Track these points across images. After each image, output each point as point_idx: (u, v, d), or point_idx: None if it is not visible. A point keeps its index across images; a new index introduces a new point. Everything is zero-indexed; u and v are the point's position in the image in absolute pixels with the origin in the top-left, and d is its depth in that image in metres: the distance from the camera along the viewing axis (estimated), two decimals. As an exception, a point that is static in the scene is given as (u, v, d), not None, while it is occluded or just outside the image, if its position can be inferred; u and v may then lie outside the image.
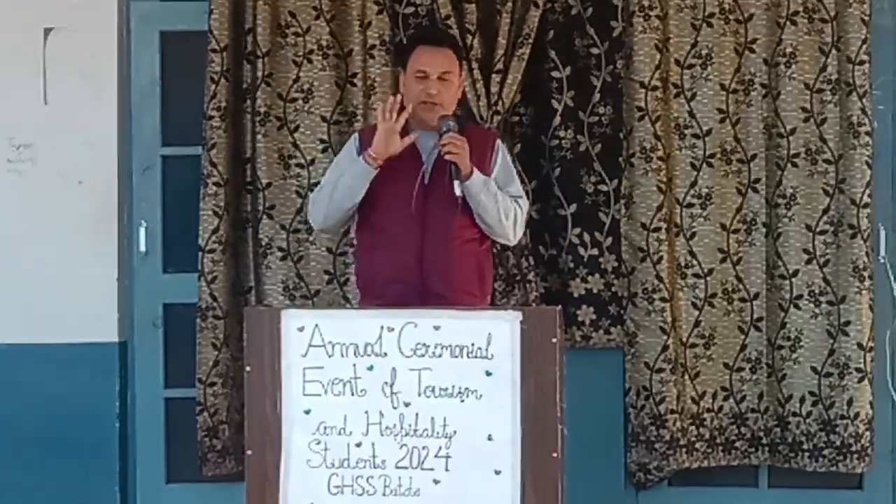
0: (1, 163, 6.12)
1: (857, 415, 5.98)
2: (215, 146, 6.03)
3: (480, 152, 5.14)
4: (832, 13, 6.03)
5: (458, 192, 5.02)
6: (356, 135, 5.36)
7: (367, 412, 4.67)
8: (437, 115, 5.09)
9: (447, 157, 5.01)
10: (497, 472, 4.61)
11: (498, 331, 4.64)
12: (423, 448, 4.64)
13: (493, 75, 6.01)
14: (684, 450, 6.07)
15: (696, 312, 6.11)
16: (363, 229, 5.23)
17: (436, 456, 4.64)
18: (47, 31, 6.13)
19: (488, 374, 4.63)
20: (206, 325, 6.03)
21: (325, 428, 4.68)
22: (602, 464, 6.07)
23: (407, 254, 5.08)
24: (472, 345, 4.64)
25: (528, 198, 5.46)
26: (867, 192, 6.00)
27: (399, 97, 5.11)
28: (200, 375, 6.03)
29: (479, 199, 5.07)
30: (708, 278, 6.12)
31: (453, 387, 4.65)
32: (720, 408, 6.13)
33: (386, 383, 4.66)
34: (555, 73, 6.10)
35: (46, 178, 6.12)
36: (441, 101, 5.11)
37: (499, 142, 5.30)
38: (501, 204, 5.12)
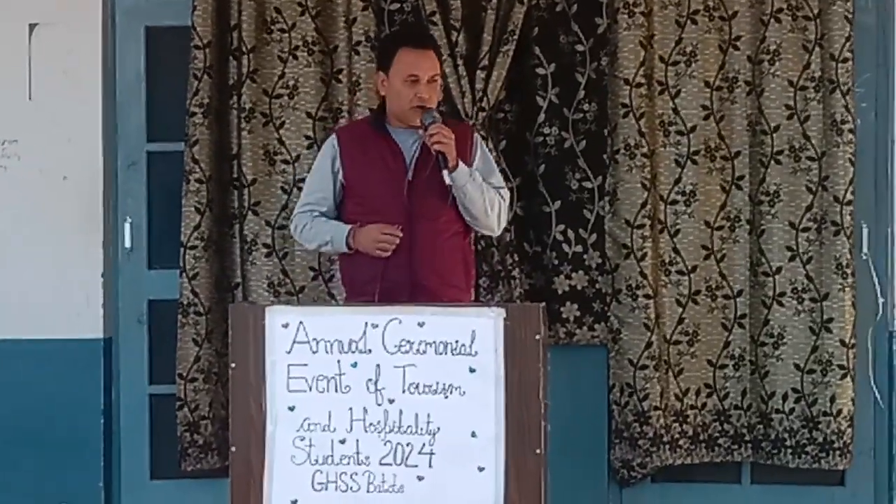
0: (-15, 159, 6.12)
1: (839, 412, 6.00)
2: (198, 143, 6.03)
3: (460, 145, 5.14)
4: (816, 11, 6.04)
5: (447, 181, 5.03)
6: (334, 137, 5.33)
7: (351, 409, 4.67)
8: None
9: (435, 146, 5.01)
10: (480, 469, 4.62)
11: (482, 327, 4.64)
12: (407, 445, 4.65)
13: (478, 72, 6.02)
14: (668, 447, 6.08)
15: (680, 309, 6.12)
16: None
17: (419, 452, 4.64)
18: (32, 27, 6.12)
19: (472, 370, 4.64)
20: (188, 322, 6.04)
21: (309, 424, 4.68)
22: (585, 460, 6.08)
23: (397, 251, 5.07)
24: (456, 342, 4.65)
25: (509, 190, 5.45)
26: (850, 189, 6.01)
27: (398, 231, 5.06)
28: (181, 371, 6.04)
29: (465, 189, 5.08)
30: (692, 275, 6.13)
31: (437, 383, 4.65)
32: (704, 405, 6.14)
33: (370, 380, 4.67)
34: (539, 70, 6.11)
35: (31, 175, 6.12)
36: (432, 104, 5.14)
37: (476, 134, 5.33)
38: (486, 195, 5.14)
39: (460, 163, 5.08)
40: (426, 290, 5.03)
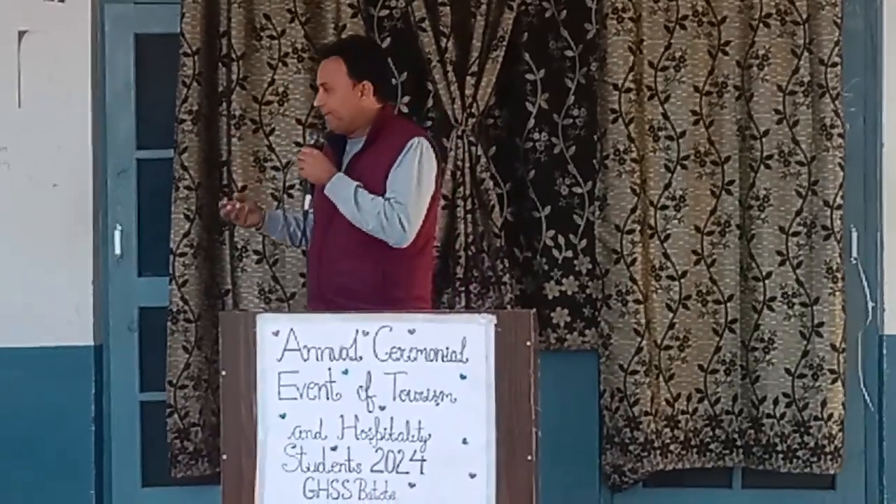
0: (-25, 167, 6.11)
1: (830, 416, 6.01)
2: (187, 150, 6.02)
3: (393, 149, 5.09)
4: (804, 15, 6.05)
5: (305, 205, 5.14)
6: None
7: (342, 416, 4.67)
8: (334, 124, 5.18)
9: (298, 172, 5.23)
10: (472, 476, 4.62)
11: (472, 334, 4.64)
12: (399, 452, 4.65)
13: (468, 78, 6.02)
14: (659, 452, 6.09)
15: (671, 314, 6.13)
16: None
17: (411, 459, 4.64)
18: (21, 34, 6.11)
19: (463, 377, 4.64)
20: (177, 328, 6.03)
21: (300, 432, 4.68)
22: (577, 466, 6.09)
23: (311, 262, 5.23)
24: (447, 348, 4.65)
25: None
26: (840, 193, 6.02)
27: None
28: (171, 378, 6.04)
29: (337, 205, 5.06)
30: (682, 280, 6.14)
31: (428, 390, 4.65)
32: (695, 410, 6.15)
33: (361, 387, 4.67)
34: (529, 76, 6.11)
35: (21, 182, 6.11)
36: (329, 109, 5.16)
37: (414, 142, 5.06)
38: (365, 209, 4.99)
39: (334, 179, 5.04)
40: (331, 304, 5.04)
